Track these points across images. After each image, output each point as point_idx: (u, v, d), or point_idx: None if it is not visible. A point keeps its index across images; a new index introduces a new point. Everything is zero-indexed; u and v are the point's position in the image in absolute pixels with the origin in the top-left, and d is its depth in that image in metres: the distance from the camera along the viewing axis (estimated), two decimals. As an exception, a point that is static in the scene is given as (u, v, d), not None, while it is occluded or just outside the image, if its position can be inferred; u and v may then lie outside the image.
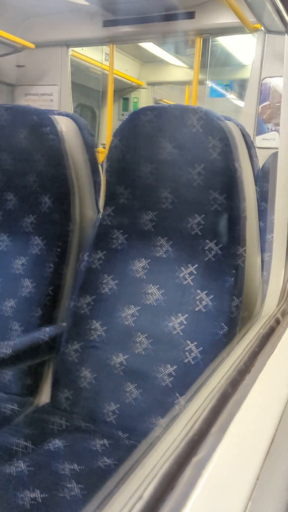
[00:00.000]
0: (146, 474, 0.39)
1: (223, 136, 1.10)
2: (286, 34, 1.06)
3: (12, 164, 1.36)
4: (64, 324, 1.25)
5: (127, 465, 0.44)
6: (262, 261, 1.21)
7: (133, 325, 1.17)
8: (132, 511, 0.34)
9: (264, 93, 2.82)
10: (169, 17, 3.00)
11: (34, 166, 1.33)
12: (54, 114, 1.34)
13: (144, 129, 1.18)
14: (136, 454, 0.46)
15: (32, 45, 3.26)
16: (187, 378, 1.08)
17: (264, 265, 1.17)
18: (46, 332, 1.23)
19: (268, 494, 0.46)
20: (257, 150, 1.33)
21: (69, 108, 3.53)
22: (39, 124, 1.29)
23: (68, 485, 0.90)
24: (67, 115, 1.39)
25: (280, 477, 0.50)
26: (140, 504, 0.34)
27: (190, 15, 2.93)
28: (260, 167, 1.89)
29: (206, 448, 0.44)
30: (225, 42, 3.66)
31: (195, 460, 0.41)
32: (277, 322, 0.84)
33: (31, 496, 0.86)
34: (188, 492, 0.38)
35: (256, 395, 0.56)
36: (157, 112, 1.17)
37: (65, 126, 1.34)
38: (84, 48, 3.78)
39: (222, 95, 3.72)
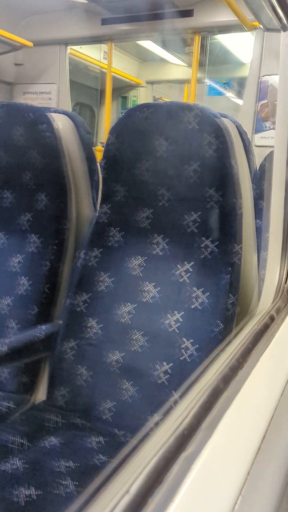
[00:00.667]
0: (134, 469, 0.39)
1: (219, 133, 1.10)
2: (281, 31, 1.06)
3: (8, 162, 1.36)
4: (60, 321, 1.25)
5: (117, 460, 0.44)
6: (259, 259, 1.21)
7: (129, 322, 1.17)
8: (119, 505, 0.34)
9: (262, 91, 2.82)
10: (168, 15, 2.99)
11: (31, 163, 1.33)
12: (51, 112, 1.34)
13: (140, 126, 1.18)
14: (127, 449, 0.46)
15: (30, 44, 3.25)
16: (183, 376, 1.08)
17: (262, 263, 1.17)
18: (42, 330, 1.23)
19: (259, 490, 0.46)
20: (255, 148, 1.33)
21: (68, 106, 3.52)
22: (35, 121, 1.29)
23: (63, 482, 0.90)
24: (63, 112, 1.39)
25: (271, 473, 0.50)
26: (127, 498, 0.34)
27: (189, 13, 2.93)
28: (259, 166, 1.89)
29: (196, 443, 0.44)
30: (224, 40, 3.65)
31: (184, 455, 0.41)
32: (272, 319, 0.84)
33: (26, 493, 0.86)
34: (176, 487, 0.38)
35: (248, 391, 0.56)
36: (153, 109, 1.17)
37: (62, 124, 1.34)
38: (82, 46, 3.78)
39: (220, 94, 3.72)
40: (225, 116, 1.18)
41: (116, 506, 0.34)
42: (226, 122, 1.15)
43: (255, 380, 0.59)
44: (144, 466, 0.38)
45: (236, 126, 1.20)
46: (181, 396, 0.58)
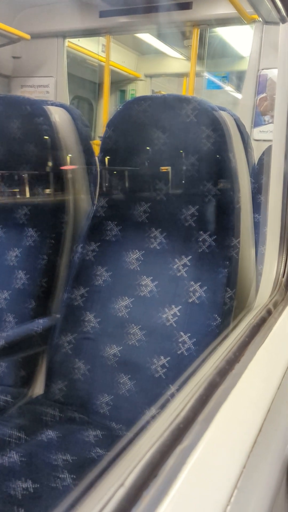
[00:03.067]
0: (129, 462, 0.39)
1: (217, 126, 1.09)
2: (280, 24, 1.05)
3: (5, 155, 1.35)
4: (58, 315, 1.25)
5: (112, 453, 0.44)
6: (257, 253, 1.20)
7: (127, 316, 1.17)
8: (113, 498, 0.34)
9: (261, 85, 2.80)
10: (166, 8, 2.97)
11: (28, 156, 1.32)
12: (48, 105, 1.33)
13: (138, 119, 1.17)
14: (122, 443, 0.46)
15: (28, 36, 3.22)
16: (181, 369, 1.08)
17: (261, 257, 1.17)
18: (39, 324, 1.23)
19: (255, 483, 0.46)
20: (254, 142, 1.32)
21: (66, 100, 3.50)
22: (32, 114, 1.28)
23: (60, 476, 0.91)
24: (61, 105, 1.38)
25: (267, 466, 0.50)
26: (121, 491, 0.34)
27: (187, 6, 2.90)
28: (257, 160, 1.88)
29: (192, 436, 0.43)
30: (223, 33, 3.63)
31: (180, 448, 0.41)
32: (269, 313, 0.84)
33: (23, 486, 0.87)
34: (172, 480, 0.38)
35: (245, 385, 0.56)
36: (151, 102, 1.16)
37: (59, 117, 1.33)
38: (80, 39, 3.75)
39: (219, 87, 3.70)
40: (223, 109, 1.17)
41: (110, 499, 0.34)
42: (224, 115, 1.14)
43: (252, 374, 0.59)
44: (139, 459, 0.38)
45: (234, 119, 1.19)
46: (178, 390, 0.58)
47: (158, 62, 4.78)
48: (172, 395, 0.57)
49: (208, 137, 1.10)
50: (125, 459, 0.41)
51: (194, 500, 0.39)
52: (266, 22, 2.64)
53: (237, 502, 0.41)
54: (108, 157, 1.24)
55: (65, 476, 0.91)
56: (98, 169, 1.31)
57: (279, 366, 0.65)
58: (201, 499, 0.39)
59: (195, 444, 0.43)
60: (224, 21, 2.99)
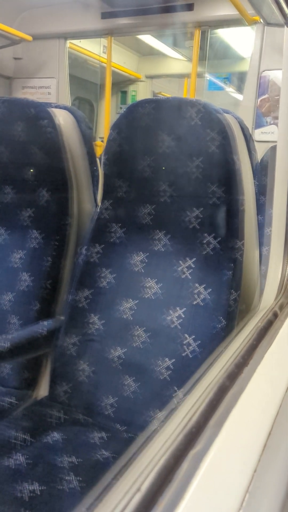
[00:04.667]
0: (144, 467, 0.39)
1: (221, 129, 1.10)
2: (285, 27, 1.05)
3: (10, 157, 1.36)
4: (62, 317, 1.25)
5: (125, 458, 0.45)
6: (261, 255, 1.21)
7: (131, 318, 1.17)
8: (130, 503, 0.34)
9: (263, 86, 2.81)
10: (168, 9, 2.97)
11: (32, 159, 1.33)
12: (52, 107, 1.34)
13: (142, 122, 1.17)
14: (134, 447, 0.46)
15: (29, 37, 3.23)
16: (185, 372, 1.08)
17: (263, 259, 1.17)
18: (44, 326, 1.23)
19: (265, 486, 0.46)
20: (256, 143, 1.32)
21: (67, 101, 3.50)
22: (36, 117, 1.29)
23: (66, 478, 0.91)
24: (64, 108, 1.38)
25: (277, 469, 0.50)
26: (138, 496, 0.34)
27: (189, 7, 2.91)
28: (259, 161, 1.88)
29: (204, 441, 0.44)
30: (224, 34, 3.63)
31: (192, 452, 0.42)
32: (275, 315, 0.84)
33: (30, 488, 0.87)
34: (186, 485, 0.38)
35: (254, 388, 0.56)
36: (155, 104, 1.16)
37: (63, 119, 1.33)
38: (82, 40, 3.75)
39: (220, 88, 3.71)
40: (227, 112, 1.17)
41: (128, 504, 0.34)
42: (229, 118, 1.14)
43: (260, 377, 0.59)
44: (154, 464, 0.38)
45: (238, 122, 1.20)
46: (187, 393, 0.58)
47: (159, 63, 4.78)
48: (181, 399, 0.57)
49: (213, 140, 1.10)
50: (138, 463, 0.41)
51: (207, 505, 0.39)
52: (268, 24, 2.64)
53: (248, 506, 0.41)
54: (112, 159, 1.24)
55: (71, 478, 0.91)
56: (101, 171, 1.31)
57: (287, 369, 0.65)
58: (214, 503, 0.40)
59: (207, 448, 0.43)
60: (226, 23, 3.00)
